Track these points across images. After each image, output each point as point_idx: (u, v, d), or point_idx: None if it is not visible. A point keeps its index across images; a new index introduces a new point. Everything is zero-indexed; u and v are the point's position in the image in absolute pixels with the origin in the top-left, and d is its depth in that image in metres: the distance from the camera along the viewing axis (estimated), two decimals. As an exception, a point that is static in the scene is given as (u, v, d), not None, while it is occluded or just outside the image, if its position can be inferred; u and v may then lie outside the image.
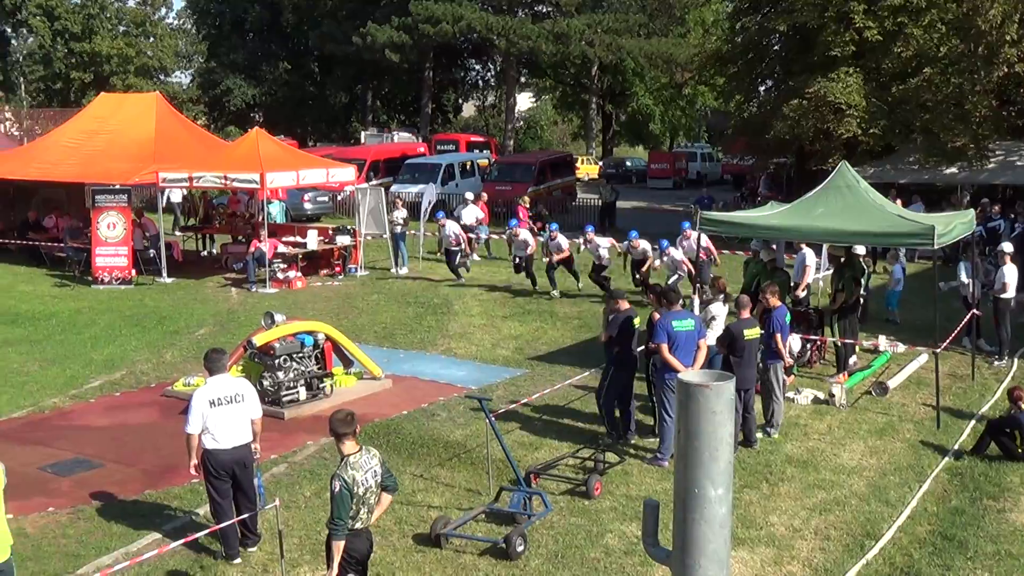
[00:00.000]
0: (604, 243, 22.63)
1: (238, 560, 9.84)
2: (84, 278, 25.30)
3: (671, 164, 58.07)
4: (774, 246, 18.51)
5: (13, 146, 33.45)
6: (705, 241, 18.42)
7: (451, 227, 24.32)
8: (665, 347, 12.19)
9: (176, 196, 33.38)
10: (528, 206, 29.65)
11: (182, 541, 9.68)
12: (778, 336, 13.52)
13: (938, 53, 31.11)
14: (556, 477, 11.83)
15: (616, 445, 12.85)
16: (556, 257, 22.87)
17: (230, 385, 9.87)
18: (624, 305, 13.00)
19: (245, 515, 9.92)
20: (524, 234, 23.65)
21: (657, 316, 12.71)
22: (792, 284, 17.92)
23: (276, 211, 31.67)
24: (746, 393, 12.89)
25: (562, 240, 23.01)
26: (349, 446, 7.68)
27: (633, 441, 13.17)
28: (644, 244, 22.06)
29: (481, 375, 16.64)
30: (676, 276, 20.65)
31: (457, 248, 24.76)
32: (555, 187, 40.90)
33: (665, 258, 21.19)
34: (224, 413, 9.69)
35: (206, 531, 9.78)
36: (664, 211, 44.17)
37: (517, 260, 23.67)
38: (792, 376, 15.42)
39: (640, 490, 11.66)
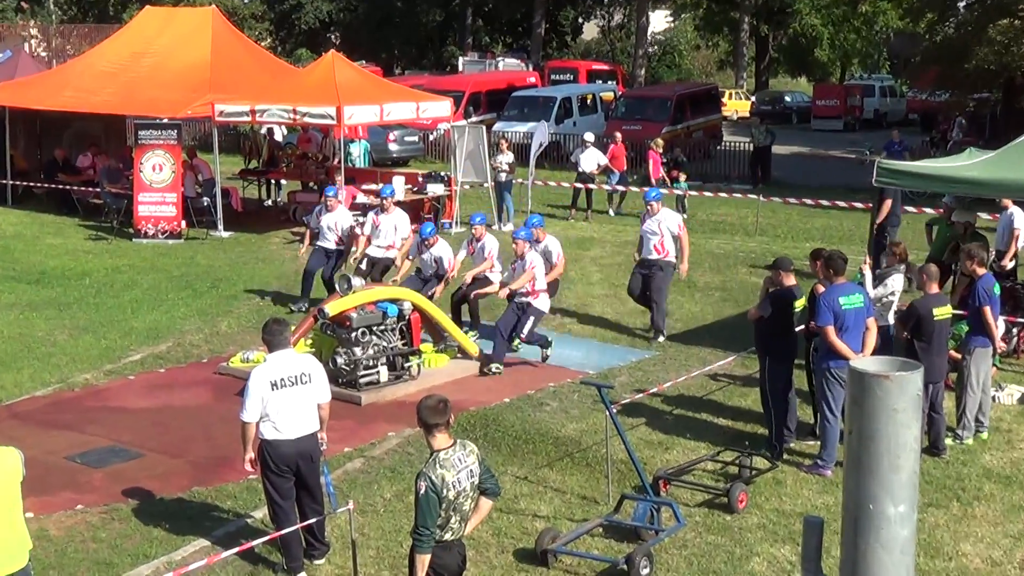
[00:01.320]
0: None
1: (302, 574, 9.98)
2: (124, 230, 25.92)
3: (842, 100, 57.18)
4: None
5: (40, 70, 34.33)
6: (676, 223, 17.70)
7: (441, 250, 17.75)
8: (831, 329, 11.98)
9: (278, 134, 33.43)
10: (661, 151, 29.42)
11: (236, 550, 9.84)
12: (986, 309, 13.15)
13: None
14: (691, 485, 11.75)
15: (774, 453, 12.69)
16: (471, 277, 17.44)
17: (294, 363, 9.95)
18: (790, 279, 12.77)
19: (311, 520, 10.04)
20: None
21: (821, 289, 12.49)
22: (995, 253, 17.49)
23: (355, 153, 32.02)
24: (934, 387, 12.62)
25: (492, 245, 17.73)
26: (440, 439, 7.69)
27: (791, 444, 13.00)
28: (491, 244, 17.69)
29: (601, 357, 16.62)
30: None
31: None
32: (696, 127, 40.59)
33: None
34: (287, 397, 9.78)
35: (264, 538, 9.92)
36: (831, 158, 43.53)
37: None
38: (995, 368, 15.03)
39: (796, 504, 11.52)
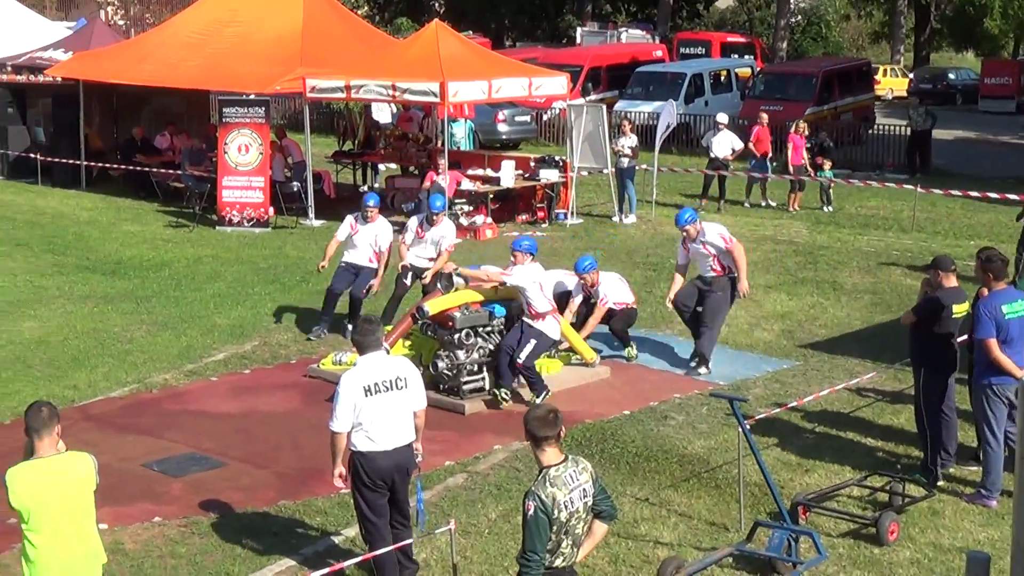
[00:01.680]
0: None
1: None
2: (207, 217, 26.34)
3: (1014, 78, 56.06)
4: None
5: (117, 40, 34.95)
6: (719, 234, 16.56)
7: (445, 229, 17.82)
8: (994, 342, 11.79)
9: (384, 115, 33.69)
10: (805, 134, 29.14)
11: (325, 571, 9.97)
12: None
13: None
14: (834, 513, 11.65)
15: (930, 479, 12.53)
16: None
17: (389, 366, 10.04)
18: (950, 280, 12.58)
19: (407, 541, 10.13)
20: None
21: (985, 292, 12.30)
22: None
23: (459, 134, 32.17)
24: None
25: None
26: (551, 455, 7.71)
27: (950, 469, 12.82)
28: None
29: (733, 366, 16.53)
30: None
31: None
32: (844, 108, 40.14)
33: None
34: (383, 403, 9.86)
35: (356, 559, 10.03)
36: (1001, 145, 42.76)
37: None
38: None
39: (955, 538, 11.36)
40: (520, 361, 14.64)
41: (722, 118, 29.50)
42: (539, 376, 14.98)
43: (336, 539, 11.18)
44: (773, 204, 28.61)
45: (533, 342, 14.68)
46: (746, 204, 28.81)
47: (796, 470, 12.88)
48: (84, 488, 8.03)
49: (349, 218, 17.98)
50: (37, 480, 7.85)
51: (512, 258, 15.04)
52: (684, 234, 16.51)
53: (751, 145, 29.01)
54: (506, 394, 14.82)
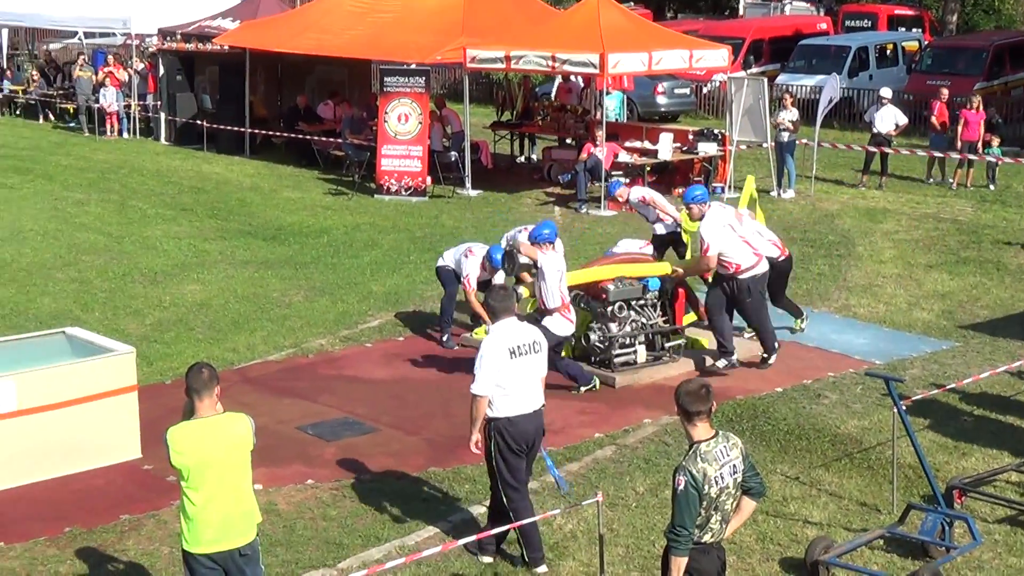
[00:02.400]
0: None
1: (543, 568, 10.14)
2: (366, 185, 26.66)
3: None
4: None
5: (283, 9, 35.46)
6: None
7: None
8: None
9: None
10: (980, 109, 28.38)
11: (473, 537, 10.08)
12: None
13: None
14: (991, 498, 11.43)
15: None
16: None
17: (525, 331, 10.23)
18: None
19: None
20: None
21: None
22: None
23: (610, 106, 32.10)
24: None
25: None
26: (702, 430, 7.68)
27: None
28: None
29: (890, 345, 16.34)
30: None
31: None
32: (1016, 84, 39.09)
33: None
34: (525, 366, 10.03)
35: (505, 527, 10.09)
36: None
37: None
38: None
39: (1117, 527, 11.09)
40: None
41: (886, 92, 28.91)
42: (580, 370, 14.46)
43: (482, 507, 11.24)
44: (952, 183, 27.78)
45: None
46: (930, 181, 28.01)
47: (952, 453, 12.68)
48: (242, 448, 8.20)
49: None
50: (197, 439, 8.04)
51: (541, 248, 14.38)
52: (688, 212, 15.56)
53: (934, 120, 28.33)
54: (589, 387, 14.38)
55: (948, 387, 14.16)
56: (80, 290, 18.49)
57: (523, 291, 14.50)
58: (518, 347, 9.97)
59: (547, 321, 13.79)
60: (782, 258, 15.69)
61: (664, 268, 15.33)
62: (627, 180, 21.11)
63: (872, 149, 27.80)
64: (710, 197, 15.97)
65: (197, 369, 8.18)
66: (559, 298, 13.94)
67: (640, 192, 18.02)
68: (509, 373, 9.89)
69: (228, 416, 8.23)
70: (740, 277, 14.74)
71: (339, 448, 12.73)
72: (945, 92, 29.33)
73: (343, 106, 30.50)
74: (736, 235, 14.73)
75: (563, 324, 14.01)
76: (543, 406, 10.22)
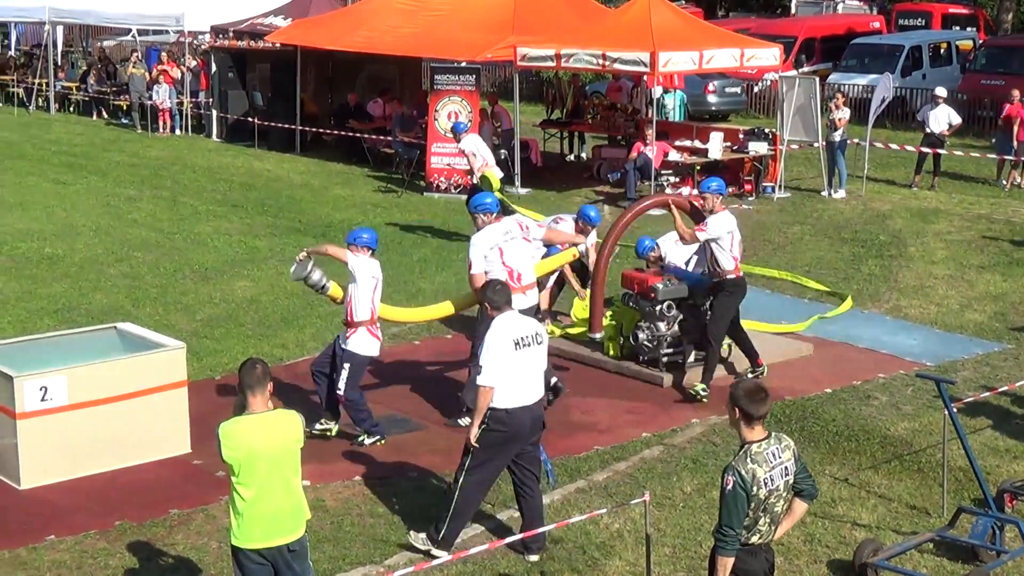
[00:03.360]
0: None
1: (444, 554, 10.15)
2: (415, 183, 26.71)
3: None
4: None
5: (335, 7, 35.58)
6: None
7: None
8: None
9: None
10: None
11: (518, 536, 10.10)
12: None
13: None
14: (1043, 502, 11.36)
15: None
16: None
17: (526, 322, 10.39)
18: None
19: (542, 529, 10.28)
20: None
21: None
22: None
23: (670, 105, 32.04)
24: None
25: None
26: (757, 431, 7.65)
27: None
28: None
29: (941, 347, 16.25)
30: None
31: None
32: (1071, 84, 38.75)
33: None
34: (528, 357, 10.18)
35: (550, 526, 10.13)
36: None
37: None
38: None
39: None
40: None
41: (940, 92, 28.68)
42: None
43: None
44: (1005, 184, 27.41)
45: None
46: (1002, 184, 27.60)
47: (1004, 456, 12.60)
48: (292, 445, 8.24)
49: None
50: (248, 435, 8.08)
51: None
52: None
53: (1014, 121, 27.88)
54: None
55: (1000, 390, 14.07)
56: (132, 286, 18.63)
57: (332, 289, 13.31)
58: (522, 338, 10.11)
59: (351, 340, 12.69)
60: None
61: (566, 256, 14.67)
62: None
63: (925, 149, 27.61)
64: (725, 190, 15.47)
65: (251, 365, 8.23)
66: (369, 311, 12.83)
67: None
68: (514, 364, 10.03)
69: (279, 413, 8.29)
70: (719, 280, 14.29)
71: (386, 445, 12.76)
72: (1017, 93, 28.64)
73: (393, 104, 30.59)
74: (735, 242, 14.35)
75: (369, 343, 12.79)
76: (542, 398, 10.39)
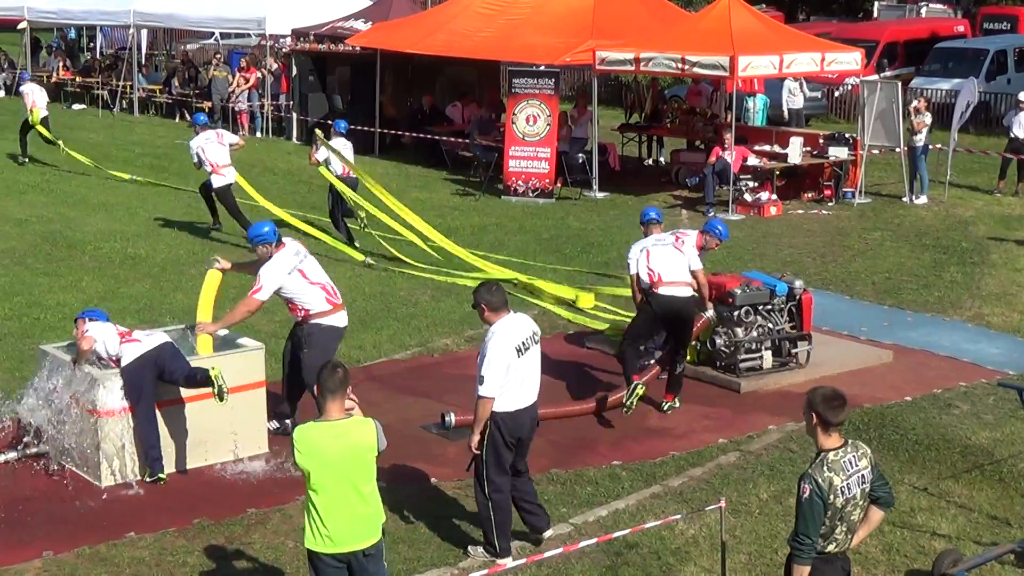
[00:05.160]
0: None
1: (509, 560, 10.17)
2: (493, 186, 26.76)
3: None
4: None
5: (415, 11, 35.75)
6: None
7: None
8: None
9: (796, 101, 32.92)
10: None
11: (594, 540, 10.08)
12: None
13: None
14: None
15: None
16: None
17: (523, 323, 10.35)
18: None
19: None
20: None
21: None
22: None
23: (755, 109, 31.90)
24: None
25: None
26: (834, 439, 7.61)
27: None
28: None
29: (1024, 356, 16.07)
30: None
31: None
32: None
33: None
34: (529, 361, 10.22)
35: (627, 531, 10.10)
36: None
37: None
38: None
39: None
40: None
41: (1024, 97, 28.38)
42: None
43: (604, 510, 11.28)
44: None
45: None
46: None
47: (1088, 467, 12.44)
48: (365, 454, 8.23)
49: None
50: (320, 443, 8.11)
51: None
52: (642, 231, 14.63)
53: None
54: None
55: (1085, 399, 13.87)
56: (212, 286, 18.79)
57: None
58: (523, 343, 10.12)
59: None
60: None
61: None
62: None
63: (1009, 155, 27.29)
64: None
65: (332, 368, 8.24)
66: (322, 297, 12.44)
67: None
68: (516, 370, 10.06)
69: (354, 421, 8.29)
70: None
71: (462, 448, 12.70)
72: None
73: (471, 107, 30.68)
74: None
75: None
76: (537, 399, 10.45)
